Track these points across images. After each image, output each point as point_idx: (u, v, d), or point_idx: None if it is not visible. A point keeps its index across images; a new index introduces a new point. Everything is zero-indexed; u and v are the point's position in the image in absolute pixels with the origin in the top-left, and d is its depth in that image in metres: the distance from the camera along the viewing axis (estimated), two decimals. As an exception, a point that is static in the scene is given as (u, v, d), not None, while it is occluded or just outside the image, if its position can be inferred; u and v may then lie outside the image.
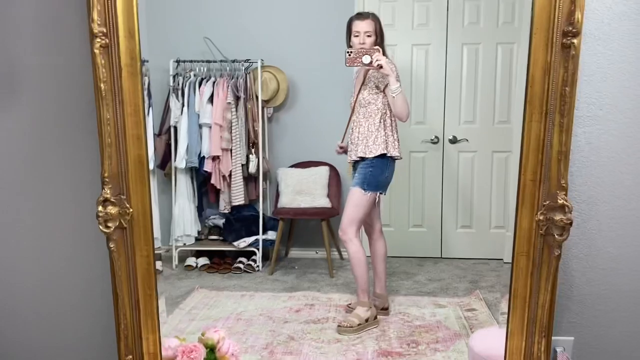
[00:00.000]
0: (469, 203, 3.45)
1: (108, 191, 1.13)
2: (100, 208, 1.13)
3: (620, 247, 1.41)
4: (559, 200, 1.07)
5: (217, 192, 3.25)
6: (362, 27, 2.53)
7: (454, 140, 3.38)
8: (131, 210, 1.16)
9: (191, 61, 3.13)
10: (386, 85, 2.53)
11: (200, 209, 3.25)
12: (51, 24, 1.26)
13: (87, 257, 1.39)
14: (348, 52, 2.42)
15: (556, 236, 1.08)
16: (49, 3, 1.25)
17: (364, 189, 2.59)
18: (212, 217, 3.34)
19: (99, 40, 1.07)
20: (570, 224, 1.07)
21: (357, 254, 2.57)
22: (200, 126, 3.12)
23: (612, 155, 1.35)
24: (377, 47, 2.46)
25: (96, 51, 1.07)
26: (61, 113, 1.31)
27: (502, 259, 3.33)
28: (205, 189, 3.26)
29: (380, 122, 2.58)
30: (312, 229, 3.31)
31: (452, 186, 3.44)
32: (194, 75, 3.12)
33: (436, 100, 3.38)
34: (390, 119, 2.59)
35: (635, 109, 1.32)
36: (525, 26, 3.36)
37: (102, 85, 1.08)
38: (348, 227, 2.56)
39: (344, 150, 2.75)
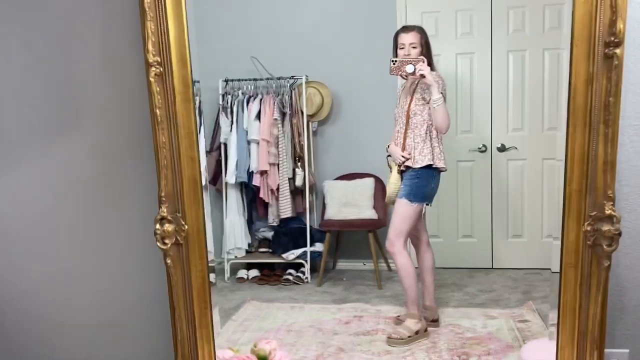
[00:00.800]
0: (520, 212, 3.38)
1: (165, 210, 1.20)
2: (157, 226, 1.20)
3: (673, 256, 1.37)
4: (606, 211, 1.06)
5: (266, 205, 3.32)
6: (407, 39, 2.58)
7: (502, 149, 3.33)
8: (186, 227, 1.23)
9: (239, 80, 3.24)
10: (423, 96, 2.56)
11: (250, 222, 3.34)
12: (109, 54, 1.35)
13: (145, 273, 1.48)
14: (393, 60, 2.48)
15: (605, 247, 1.06)
16: (108, 34, 1.35)
17: (411, 200, 2.59)
18: (261, 230, 3.42)
19: (154, 69, 1.15)
20: (619, 234, 1.06)
21: (405, 266, 2.58)
22: (248, 142, 3.21)
23: (661, 164, 1.31)
24: (421, 57, 2.49)
25: (151, 79, 1.15)
26: (119, 137, 1.40)
27: (554, 271, 3.25)
28: (255, 203, 3.34)
29: (426, 133, 2.59)
30: (358, 240, 3.33)
31: (502, 195, 3.38)
32: (242, 93, 3.22)
33: (482, 108, 3.34)
34: (436, 131, 2.59)
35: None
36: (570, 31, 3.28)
37: (157, 111, 1.16)
38: (395, 239, 2.57)
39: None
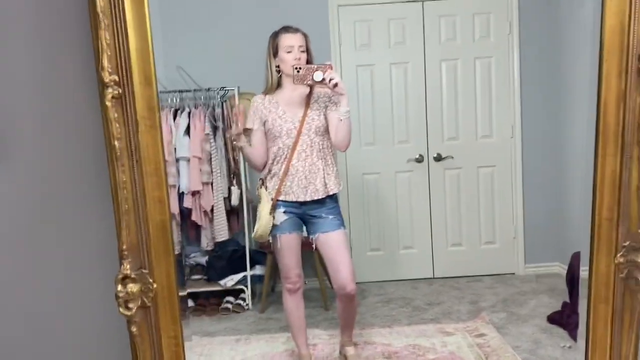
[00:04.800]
0: (458, 220, 3.39)
1: (127, 266, 0.95)
2: (119, 287, 0.95)
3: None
4: (642, 241, 0.97)
5: (198, 228, 3.05)
6: (295, 41, 2.17)
7: (438, 158, 3.33)
8: (155, 285, 0.98)
9: (162, 92, 2.94)
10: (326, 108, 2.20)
11: (180, 248, 3.05)
12: (52, 71, 1.04)
13: (106, 344, 1.16)
14: (296, 68, 2.07)
15: (640, 279, 0.98)
16: (49, 49, 1.05)
17: (344, 228, 2.24)
18: (192, 255, 3.15)
19: (110, 90, 0.90)
20: (657, 266, 0.98)
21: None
22: (177, 160, 2.93)
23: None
24: (329, 63, 2.10)
25: (108, 103, 0.90)
26: (66, 177, 1.07)
27: (494, 274, 3.30)
28: (185, 226, 3.05)
29: (331, 148, 2.23)
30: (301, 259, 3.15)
31: (440, 204, 3.38)
32: (168, 107, 2.93)
33: (418, 118, 3.32)
34: (334, 148, 2.25)
35: None
36: (501, 40, 3.32)
37: (116, 142, 0.91)
38: (353, 277, 2.20)
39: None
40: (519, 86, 3.29)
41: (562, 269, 2.96)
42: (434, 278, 3.38)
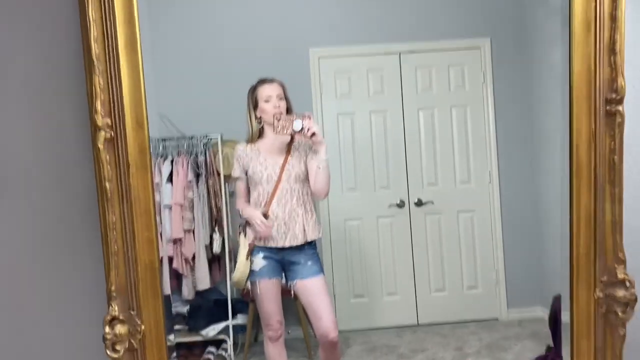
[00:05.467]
0: (440, 265, 3.40)
1: (116, 307, 0.94)
2: (107, 329, 0.94)
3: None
4: (618, 275, 1.00)
5: (179, 277, 3.01)
6: (273, 90, 2.32)
7: (419, 203, 3.37)
8: (143, 327, 0.97)
9: (146, 140, 2.96)
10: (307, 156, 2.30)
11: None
12: (46, 115, 1.07)
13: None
14: (277, 117, 2.17)
15: (619, 314, 1.00)
16: (44, 93, 1.07)
17: (323, 273, 2.33)
18: (174, 304, 3.09)
19: (103, 133, 0.92)
20: (636, 299, 1.01)
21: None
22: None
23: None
24: (308, 112, 2.21)
25: (100, 146, 0.92)
26: (56, 218, 1.08)
27: (477, 320, 3.29)
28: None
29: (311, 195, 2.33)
30: (283, 307, 3.11)
31: (422, 249, 3.40)
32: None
33: (398, 164, 3.39)
34: (313, 196, 2.34)
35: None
36: (475, 89, 3.47)
37: (107, 184, 0.92)
38: (336, 324, 2.25)
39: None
40: (494, 132, 3.39)
41: (544, 313, 2.98)
42: (418, 325, 3.35)
